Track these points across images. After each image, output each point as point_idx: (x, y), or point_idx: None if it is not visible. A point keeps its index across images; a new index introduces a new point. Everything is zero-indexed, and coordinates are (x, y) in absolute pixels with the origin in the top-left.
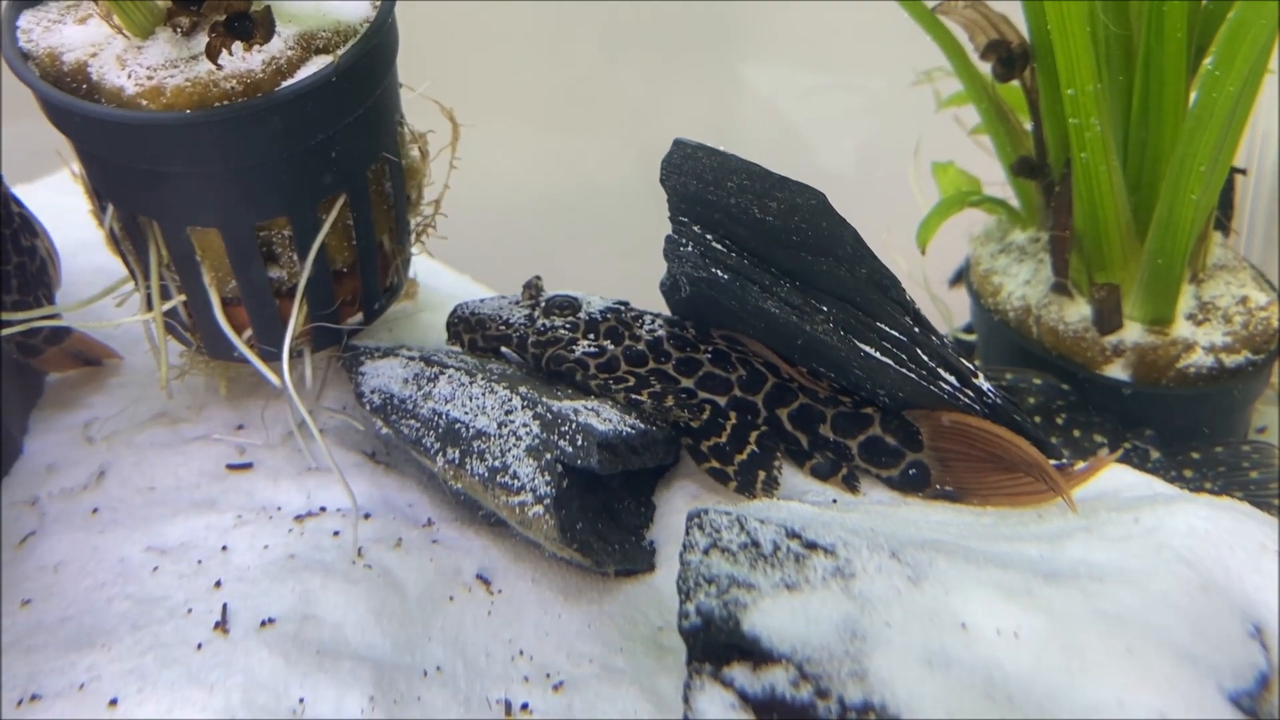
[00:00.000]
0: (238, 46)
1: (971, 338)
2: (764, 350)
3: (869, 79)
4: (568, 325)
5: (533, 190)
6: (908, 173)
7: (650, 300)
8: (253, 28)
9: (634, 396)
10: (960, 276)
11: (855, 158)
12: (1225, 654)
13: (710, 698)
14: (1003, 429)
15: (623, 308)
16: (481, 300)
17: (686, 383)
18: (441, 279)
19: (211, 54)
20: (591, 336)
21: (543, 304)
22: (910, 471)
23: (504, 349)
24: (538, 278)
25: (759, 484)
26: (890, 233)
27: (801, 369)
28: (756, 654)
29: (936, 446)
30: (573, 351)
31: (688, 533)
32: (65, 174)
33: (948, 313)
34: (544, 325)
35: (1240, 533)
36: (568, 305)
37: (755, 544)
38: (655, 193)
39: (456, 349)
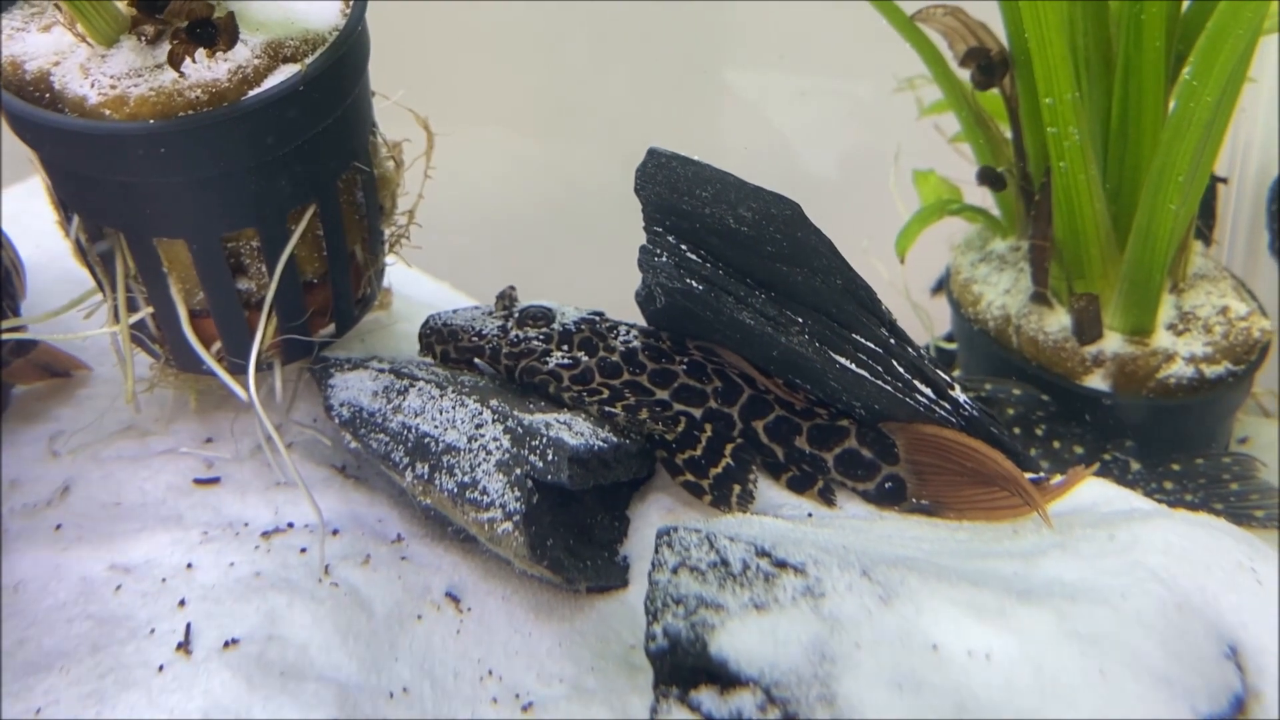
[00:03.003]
0: (202, 55)
1: (953, 347)
2: (740, 361)
3: (854, 85)
4: (541, 337)
5: (514, 198)
6: (890, 180)
7: (631, 310)
8: (215, 34)
9: (607, 409)
10: (942, 285)
11: (840, 164)
12: (1200, 676)
13: None
14: (979, 442)
15: (598, 318)
16: (454, 311)
17: (661, 394)
18: (419, 288)
19: (174, 62)
20: (565, 348)
21: (516, 315)
22: (886, 485)
23: (477, 360)
24: (511, 288)
25: (734, 497)
26: (872, 241)
27: (778, 380)
28: (724, 677)
29: (912, 460)
30: (546, 363)
31: (656, 551)
32: (37, 181)
33: (929, 322)
34: (517, 337)
35: (1217, 550)
36: (541, 316)
37: (724, 562)
38: (637, 201)
39: (429, 360)
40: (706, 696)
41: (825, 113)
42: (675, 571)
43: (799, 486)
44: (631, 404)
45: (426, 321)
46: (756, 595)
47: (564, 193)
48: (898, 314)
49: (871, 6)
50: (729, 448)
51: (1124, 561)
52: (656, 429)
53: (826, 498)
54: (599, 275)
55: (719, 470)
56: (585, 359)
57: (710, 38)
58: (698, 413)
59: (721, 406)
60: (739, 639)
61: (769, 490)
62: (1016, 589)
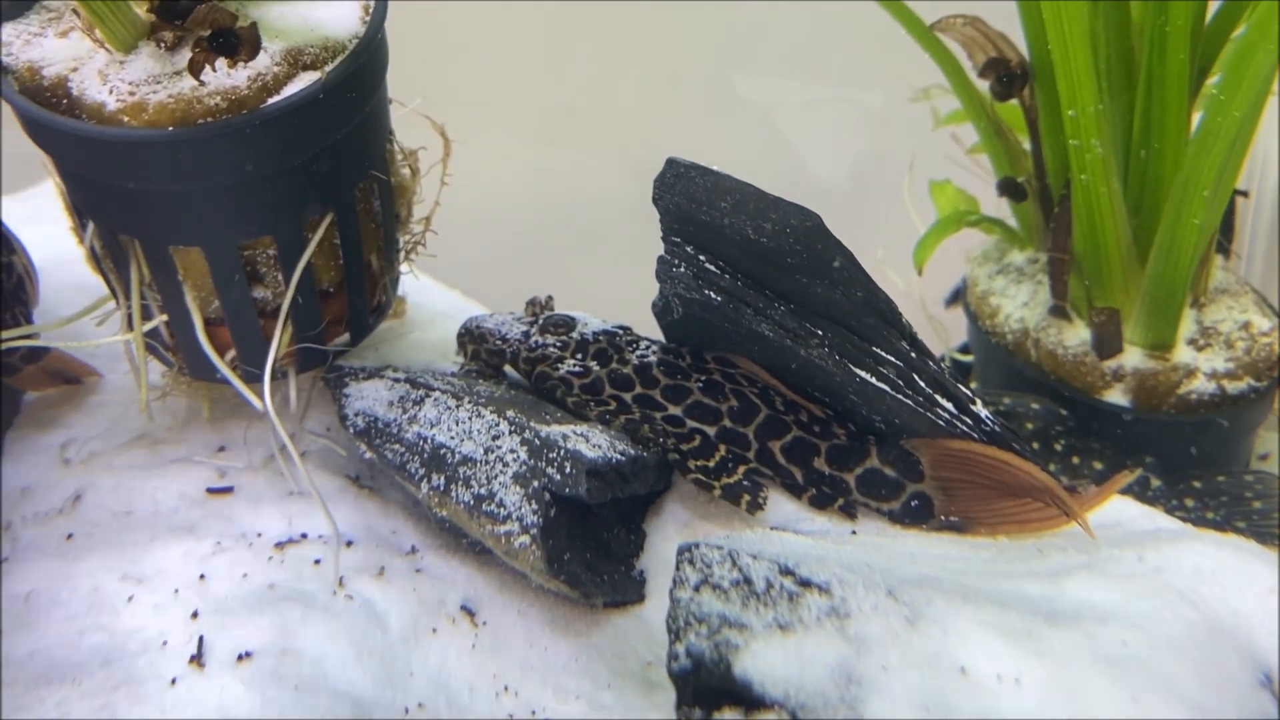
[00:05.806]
0: (221, 62)
1: (968, 359)
2: (760, 372)
3: (867, 94)
4: (558, 344)
5: (529, 206)
6: (904, 190)
7: (643, 318)
8: (238, 44)
9: (607, 417)
10: (957, 296)
11: (852, 174)
12: (1235, 704)
13: None
14: (1008, 454)
15: (620, 332)
16: (490, 315)
17: (674, 410)
18: (433, 297)
19: (194, 70)
20: (579, 356)
21: (540, 322)
22: (913, 503)
23: (508, 368)
24: (549, 297)
25: (744, 502)
26: (886, 251)
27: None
28: (748, 699)
29: (939, 476)
30: (557, 370)
31: (678, 568)
32: (50, 186)
33: (944, 333)
34: (536, 342)
35: (1248, 574)
36: (563, 324)
37: (748, 581)
38: (652, 210)
39: (445, 369)
40: (730, 719)
41: (837, 122)
42: (698, 589)
43: (819, 504)
44: (635, 418)
45: (464, 323)
46: (781, 615)
47: (578, 201)
48: (912, 325)
49: (885, 14)
50: (742, 468)
51: (1154, 584)
52: (655, 440)
53: (848, 512)
54: (613, 285)
55: (730, 481)
56: (596, 369)
57: (723, 46)
58: (712, 431)
59: (736, 426)
60: (763, 660)
61: (786, 505)
62: (1044, 611)
